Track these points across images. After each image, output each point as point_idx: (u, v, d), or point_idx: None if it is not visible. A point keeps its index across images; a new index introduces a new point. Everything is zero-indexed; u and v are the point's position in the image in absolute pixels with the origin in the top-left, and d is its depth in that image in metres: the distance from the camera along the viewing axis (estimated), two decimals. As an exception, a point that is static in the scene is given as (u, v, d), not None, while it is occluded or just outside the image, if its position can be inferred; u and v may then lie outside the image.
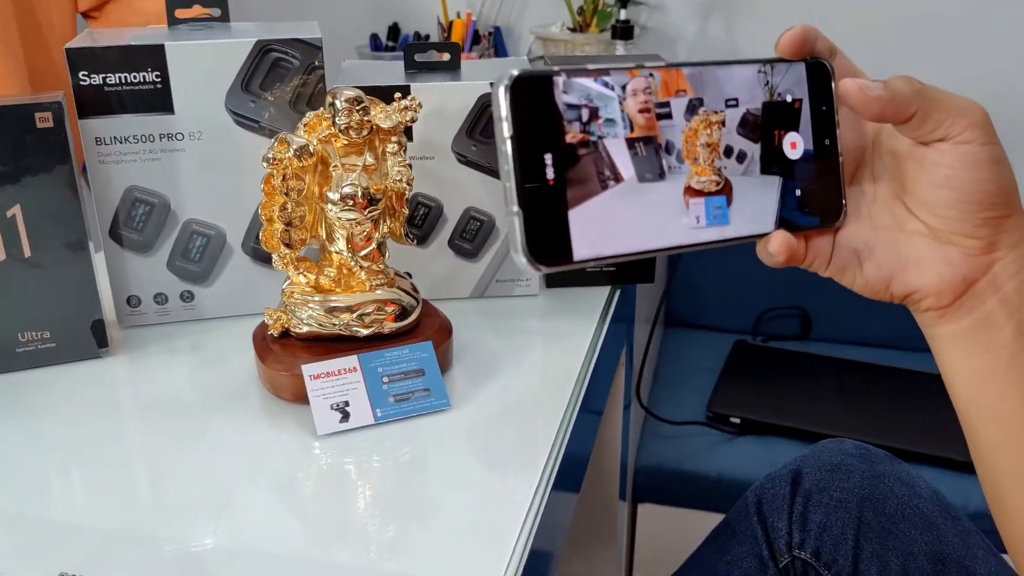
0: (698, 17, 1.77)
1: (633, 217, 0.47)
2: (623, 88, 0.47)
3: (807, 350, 1.73)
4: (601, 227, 0.45)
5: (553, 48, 1.69)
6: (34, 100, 0.74)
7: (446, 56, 0.89)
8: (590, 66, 0.46)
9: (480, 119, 0.85)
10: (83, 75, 0.78)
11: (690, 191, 0.49)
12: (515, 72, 0.43)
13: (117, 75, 0.79)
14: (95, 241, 0.80)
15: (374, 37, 1.80)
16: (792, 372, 1.66)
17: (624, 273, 0.95)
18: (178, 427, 0.73)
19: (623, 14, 1.66)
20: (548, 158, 0.44)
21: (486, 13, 1.83)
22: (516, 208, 0.43)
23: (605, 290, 0.95)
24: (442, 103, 0.85)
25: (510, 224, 0.44)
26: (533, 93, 0.44)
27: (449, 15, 1.77)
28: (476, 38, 1.76)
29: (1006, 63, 1.65)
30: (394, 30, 1.83)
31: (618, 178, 0.46)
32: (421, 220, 0.89)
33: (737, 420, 1.51)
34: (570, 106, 0.45)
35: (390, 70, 0.89)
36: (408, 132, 0.84)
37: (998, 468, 0.52)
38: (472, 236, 0.90)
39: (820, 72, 0.52)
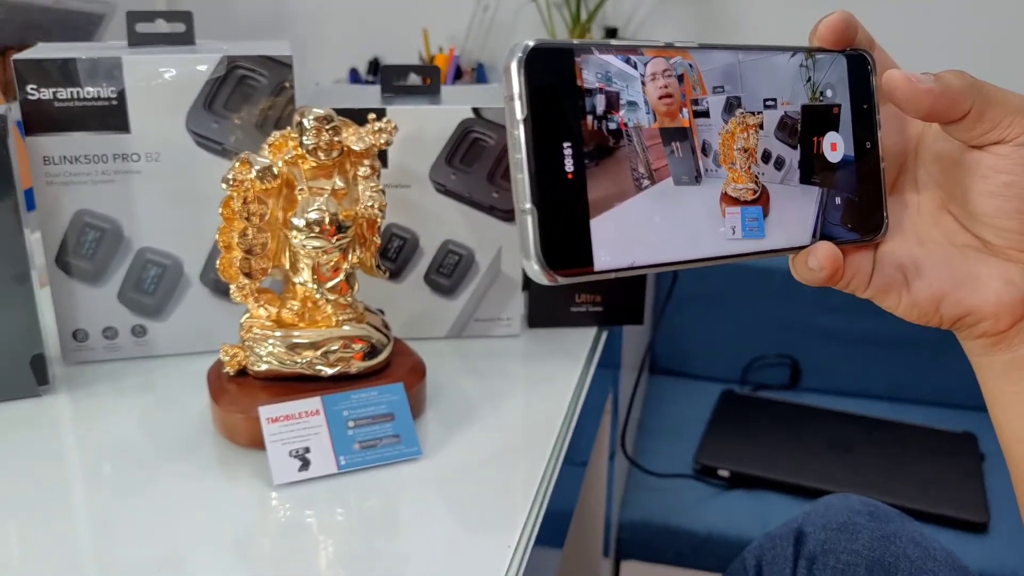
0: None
1: (664, 223, 0.41)
2: (646, 68, 0.41)
3: (797, 400, 1.67)
4: (628, 232, 0.39)
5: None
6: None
7: (427, 80, 0.83)
8: (616, 42, 0.40)
9: (460, 146, 0.80)
10: (31, 88, 0.72)
11: (726, 198, 0.43)
12: (531, 43, 0.37)
13: (69, 90, 0.73)
14: (38, 268, 0.74)
15: (353, 71, 1.75)
16: (782, 423, 1.60)
17: (612, 313, 0.90)
18: (123, 475, 0.67)
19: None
20: (568, 147, 0.38)
21: (469, 48, 1.79)
22: (529, 204, 0.37)
23: (591, 332, 0.89)
24: (420, 128, 0.79)
25: (521, 224, 0.37)
26: (552, 69, 0.38)
27: (432, 49, 1.73)
28: (459, 73, 1.72)
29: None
30: (375, 64, 1.79)
31: (652, 177, 0.40)
32: (395, 253, 0.83)
33: (726, 473, 1.45)
34: (594, 90, 0.39)
35: (366, 93, 0.84)
36: (383, 158, 0.79)
37: None
38: (450, 271, 0.84)
39: (860, 65, 0.47)
